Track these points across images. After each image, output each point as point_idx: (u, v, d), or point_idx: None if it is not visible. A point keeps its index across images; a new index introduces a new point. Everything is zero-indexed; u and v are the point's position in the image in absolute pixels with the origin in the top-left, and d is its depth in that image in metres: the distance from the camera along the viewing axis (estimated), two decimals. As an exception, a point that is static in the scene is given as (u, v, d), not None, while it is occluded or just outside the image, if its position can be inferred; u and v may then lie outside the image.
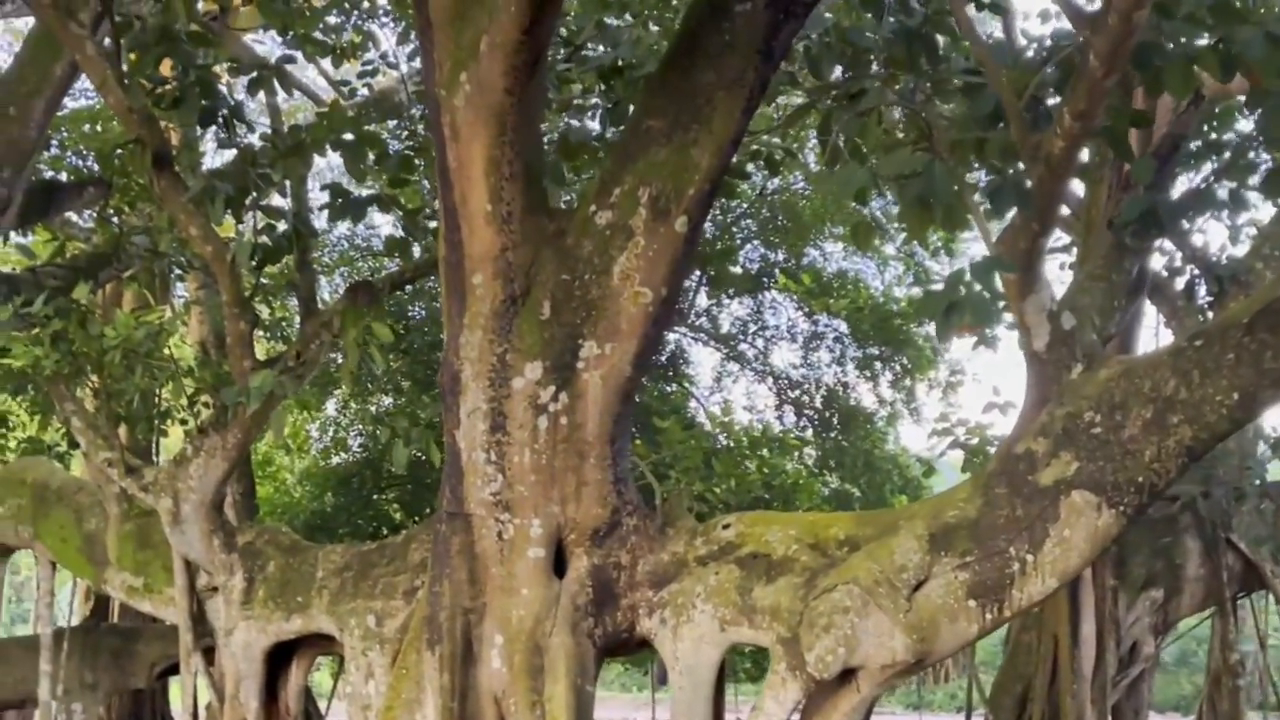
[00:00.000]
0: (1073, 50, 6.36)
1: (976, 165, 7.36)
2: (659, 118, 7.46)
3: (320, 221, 12.16)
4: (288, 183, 9.41)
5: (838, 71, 8.48)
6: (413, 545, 8.61)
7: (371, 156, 9.56)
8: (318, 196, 10.98)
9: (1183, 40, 5.89)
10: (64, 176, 15.32)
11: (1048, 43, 7.26)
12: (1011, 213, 6.53)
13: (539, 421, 7.38)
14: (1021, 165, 6.38)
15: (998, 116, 6.58)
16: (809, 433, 21.40)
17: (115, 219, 14.28)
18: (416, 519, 18.50)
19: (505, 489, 7.44)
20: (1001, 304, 5.97)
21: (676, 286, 7.65)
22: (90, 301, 9.40)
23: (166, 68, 9.13)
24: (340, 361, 9.96)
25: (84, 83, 13.75)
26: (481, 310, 7.46)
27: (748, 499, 14.84)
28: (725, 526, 7.64)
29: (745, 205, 19.76)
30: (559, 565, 7.58)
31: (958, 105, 7.86)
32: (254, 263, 9.02)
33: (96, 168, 15.03)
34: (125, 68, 8.69)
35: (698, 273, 19.05)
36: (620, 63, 9.78)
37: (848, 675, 6.88)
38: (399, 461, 9.14)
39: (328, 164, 15.23)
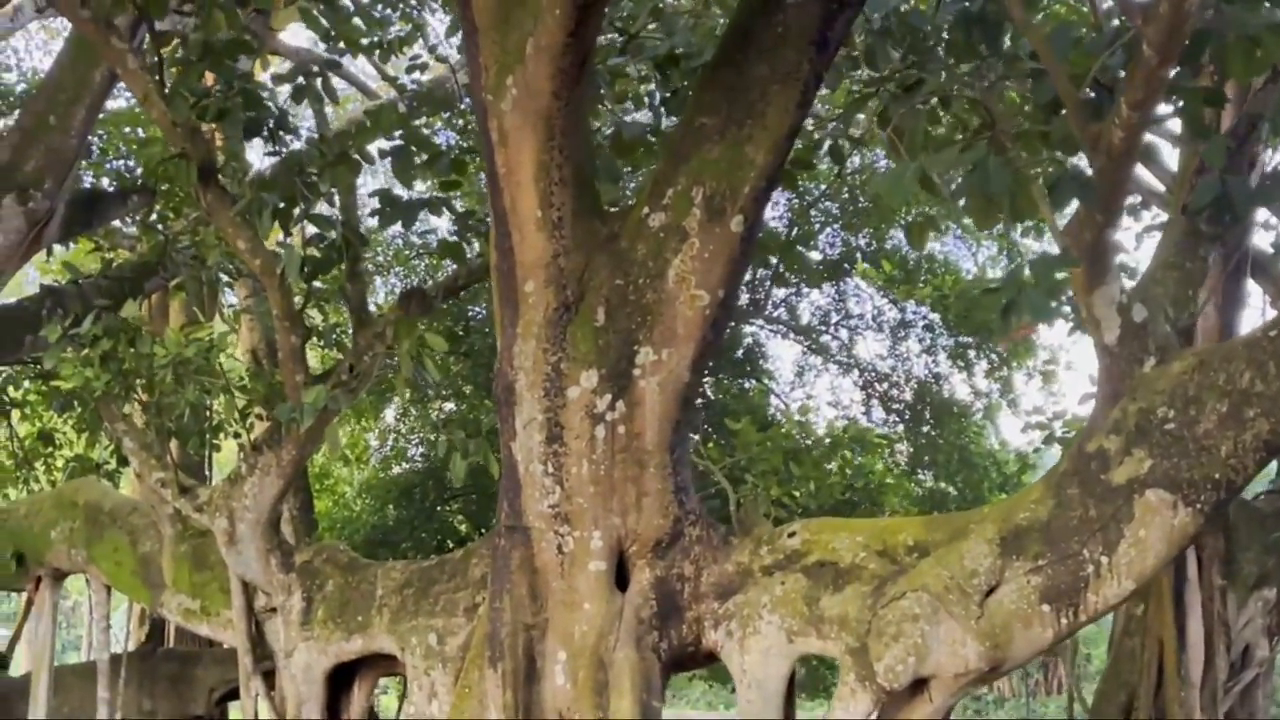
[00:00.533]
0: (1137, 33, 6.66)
1: (1045, 155, 7.66)
2: (711, 115, 7.88)
3: (374, 221, 12.68)
4: (335, 191, 9.90)
5: (898, 59, 8.78)
6: (473, 560, 9.07)
7: (422, 158, 10.02)
8: (368, 200, 11.45)
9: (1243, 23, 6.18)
10: (106, 181, 15.99)
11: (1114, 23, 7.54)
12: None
13: (596, 431, 7.82)
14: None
15: (1060, 104, 6.91)
16: (900, 428, 21.58)
17: (160, 225, 14.87)
18: (482, 530, 18.87)
19: (564, 501, 7.88)
20: (1060, 300, 6.29)
21: (734, 288, 8.07)
22: (138, 317, 9.94)
23: (210, 76, 9.65)
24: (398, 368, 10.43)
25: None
26: (534, 319, 7.91)
27: (830, 503, 15.13)
28: (791, 534, 8.02)
29: (824, 186, 19.96)
30: (621, 578, 7.99)
31: (1028, 92, 8.15)
32: (304, 275, 9.50)
33: (139, 171, 15.66)
34: (167, 81, 9.22)
35: (774, 261, 19.30)
36: (677, 51, 10.15)
37: (920, 685, 7.23)
38: (458, 475, 9.59)
39: (378, 164, 15.74)
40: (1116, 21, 7.88)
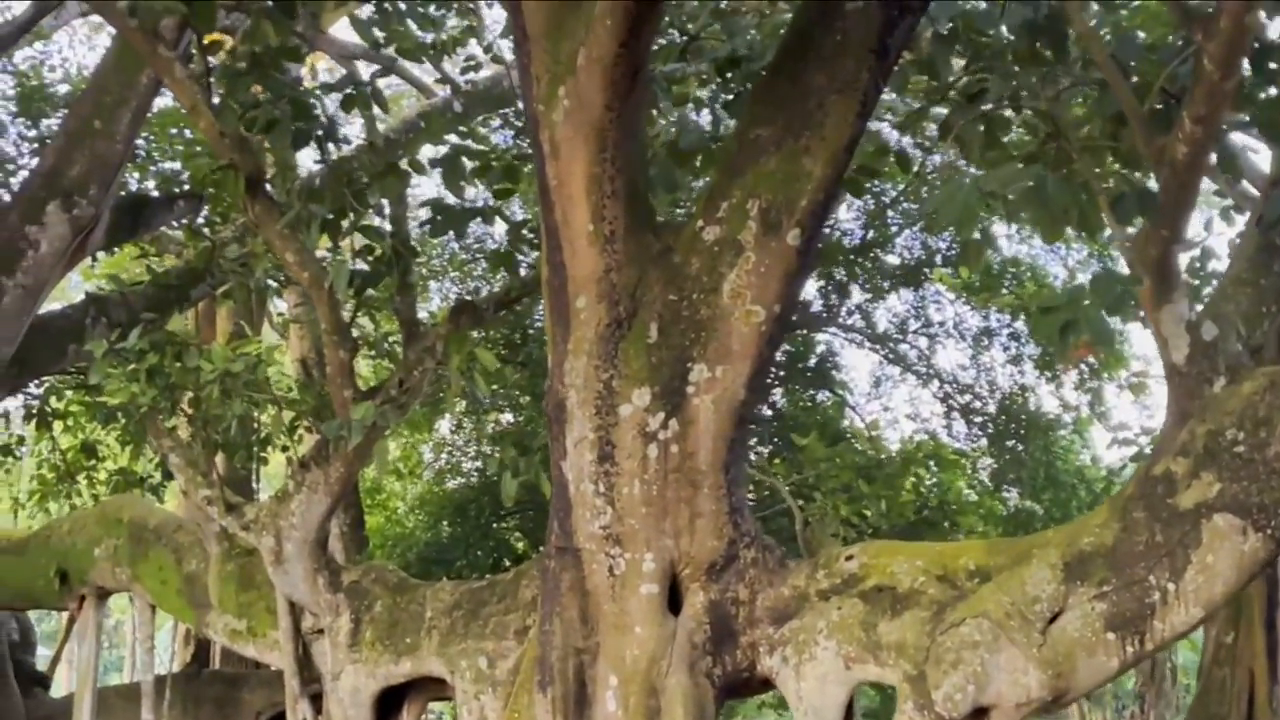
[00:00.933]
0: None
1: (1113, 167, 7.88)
2: (767, 126, 8.16)
3: (425, 229, 13.02)
4: (385, 201, 10.24)
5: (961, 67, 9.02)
6: (523, 582, 9.38)
7: (472, 165, 10.32)
8: (421, 207, 11.73)
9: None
10: (152, 185, 16.47)
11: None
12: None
13: (648, 450, 8.09)
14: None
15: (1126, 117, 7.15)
16: (983, 443, 21.63)
17: (207, 231, 15.31)
18: (539, 548, 19.12)
19: (615, 522, 8.13)
20: (1120, 320, 6.52)
21: (791, 303, 8.34)
22: (185, 331, 10.33)
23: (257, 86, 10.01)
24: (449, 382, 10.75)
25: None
26: (586, 335, 8.20)
27: (903, 522, 15.32)
28: (848, 558, 8.25)
29: (902, 186, 20.07)
30: (674, 601, 8.23)
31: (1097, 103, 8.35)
32: (352, 287, 9.82)
33: (185, 175, 16.13)
34: (214, 91, 9.59)
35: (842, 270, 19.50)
36: (738, 54, 10.39)
37: (980, 714, 7.40)
38: (508, 493, 9.87)
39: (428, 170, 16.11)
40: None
